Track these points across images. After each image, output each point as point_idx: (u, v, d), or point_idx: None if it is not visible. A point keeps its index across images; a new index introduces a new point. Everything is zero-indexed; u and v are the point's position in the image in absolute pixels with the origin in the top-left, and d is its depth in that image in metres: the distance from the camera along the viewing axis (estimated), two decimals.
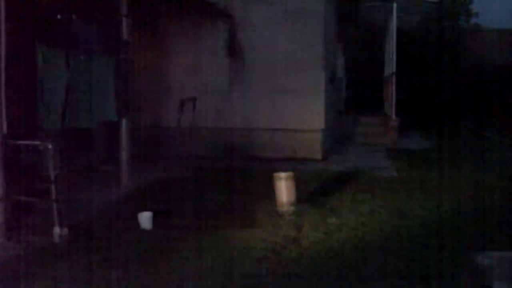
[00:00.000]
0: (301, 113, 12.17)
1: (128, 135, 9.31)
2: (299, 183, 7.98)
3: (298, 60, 12.17)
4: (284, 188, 7.74)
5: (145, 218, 7.08)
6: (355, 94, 19.14)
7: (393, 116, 15.29)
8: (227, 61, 12.34)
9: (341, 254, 6.20)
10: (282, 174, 7.82)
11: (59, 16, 8.13)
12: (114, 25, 9.14)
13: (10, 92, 6.75)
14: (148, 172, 10.10)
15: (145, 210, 7.22)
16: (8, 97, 6.70)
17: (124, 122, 9.22)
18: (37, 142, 6.91)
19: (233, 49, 12.30)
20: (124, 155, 9.28)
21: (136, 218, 7.11)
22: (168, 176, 9.91)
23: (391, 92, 15.65)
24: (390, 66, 15.87)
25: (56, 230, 6.60)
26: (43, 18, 7.80)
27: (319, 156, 12.23)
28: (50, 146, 6.65)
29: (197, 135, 11.78)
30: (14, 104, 6.94)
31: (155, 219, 7.11)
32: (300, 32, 12.17)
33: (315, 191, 8.85)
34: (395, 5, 15.22)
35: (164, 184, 9.36)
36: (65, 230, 6.63)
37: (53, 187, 6.70)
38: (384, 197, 8.60)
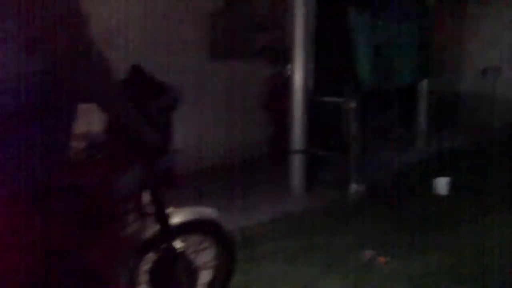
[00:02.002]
0: None
1: (426, 100, 9.04)
2: None
3: None
4: None
5: (441, 184, 6.77)
6: None
7: None
8: None
9: None
10: None
11: None
12: None
13: (319, 51, 6.82)
14: (443, 138, 9.67)
15: (439, 175, 6.89)
16: (316, 56, 6.77)
17: (424, 86, 8.95)
18: (341, 100, 6.90)
19: None
20: (422, 119, 9.02)
21: (430, 183, 6.83)
22: (463, 144, 9.39)
23: None
24: None
25: (353, 186, 6.55)
26: None
27: None
28: (353, 105, 6.61)
29: (496, 105, 11.08)
30: (321, 63, 6.99)
31: (450, 185, 6.77)
32: None
33: None
34: None
35: (459, 151, 8.89)
36: (362, 187, 6.57)
37: (354, 144, 6.66)
38: None
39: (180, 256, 3.26)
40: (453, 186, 6.75)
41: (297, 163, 6.62)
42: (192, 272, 3.39)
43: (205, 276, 3.64)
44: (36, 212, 2.10)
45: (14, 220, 2.05)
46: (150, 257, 3.25)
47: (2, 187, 2.05)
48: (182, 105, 2.79)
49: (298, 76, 6.54)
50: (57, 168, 2.20)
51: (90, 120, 2.65)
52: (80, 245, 2.28)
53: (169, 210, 3.12)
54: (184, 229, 3.31)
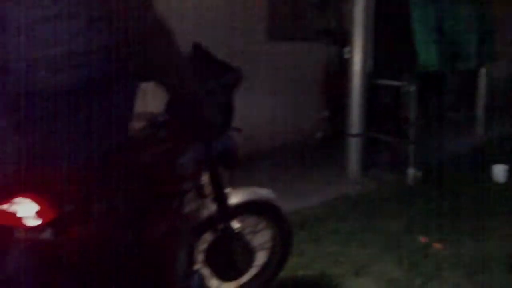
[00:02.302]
0: None
1: (486, 85, 8.82)
2: None
3: None
4: None
5: (499, 170, 6.60)
6: None
7: None
8: None
9: None
10: None
11: None
12: None
13: (378, 33, 6.71)
14: (502, 124, 9.44)
15: (497, 162, 6.72)
16: (376, 38, 6.66)
17: (484, 70, 8.73)
18: (399, 83, 6.78)
19: None
20: (481, 104, 8.81)
21: (488, 169, 6.67)
22: None
23: None
24: None
25: (410, 171, 6.43)
26: None
27: None
28: (412, 89, 6.47)
29: None
30: (380, 45, 6.88)
31: (508, 172, 6.60)
32: None
33: None
34: None
35: None
36: (419, 172, 6.45)
37: (412, 129, 6.54)
38: None
39: (237, 236, 3.24)
40: (511, 173, 6.58)
41: (354, 146, 6.54)
42: (248, 253, 3.36)
43: (261, 257, 3.61)
44: (99, 186, 2.10)
45: (79, 193, 2.06)
46: (207, 237, 3.24)
47: (64, 162, 2.06)
48: (241, 86, 2.76)
49: (357, 58, 6.43)
50: (118, 145, 2.19)
51: (149, 99, 2.64)
52: (142, 221, 2.28)
53: (227, 190, 3.10)
54: (242, 209, 3.29)
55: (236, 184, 3.28)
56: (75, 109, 2.08)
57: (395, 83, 6.89)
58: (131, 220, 2.20)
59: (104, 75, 2.10)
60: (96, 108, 2.11)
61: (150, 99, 2.48)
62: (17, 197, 2.00)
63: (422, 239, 4.80)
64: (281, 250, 3.67)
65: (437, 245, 4.70)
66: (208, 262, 3.24)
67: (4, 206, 1.99)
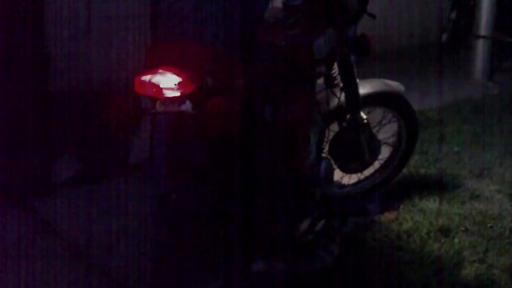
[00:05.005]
0: None
1: None
2: None
3: None
4: None
5: None
6: None
7: None
8: None
9: None
10: None
11: None
12: None
13: None
14: None
15: None
16: None
17: None
18: None
19: None
20: None
21: None
22: None
23: None
24: None
25: None
26: None
27: None
28: None
29: None
30: None
31: None
32: None
33: None
34: None
35: None
36: None
37: None
38: None
39: (364, 128, 3.16)
40: None
41: (480, 48, 6.19)
42: (373, 146, 3.28)
43: (385, 152, 3.53)
44: (239, 63, 2.08)
45: (219, 69, 2.05)
46: (333, 128, 3.17)
47: (206, 39, 2.05)
48: None
49: None
50: (256, 26, 2.16)
51: None
52: (278, 100, 2.24)
53: (357, 80, 3.00)
54: (370, 100, 3.18)
55: (365, 75, 3.17)
56: None
57: None
58: (269, 97, 2.17)
59: None
60: None
61: None
62: (160, 69, 2.01)
63: None
64: (405, 145, 3.55)
65: None
66: (333, 152, 3.17)
67: (148, 77, 2.00)
